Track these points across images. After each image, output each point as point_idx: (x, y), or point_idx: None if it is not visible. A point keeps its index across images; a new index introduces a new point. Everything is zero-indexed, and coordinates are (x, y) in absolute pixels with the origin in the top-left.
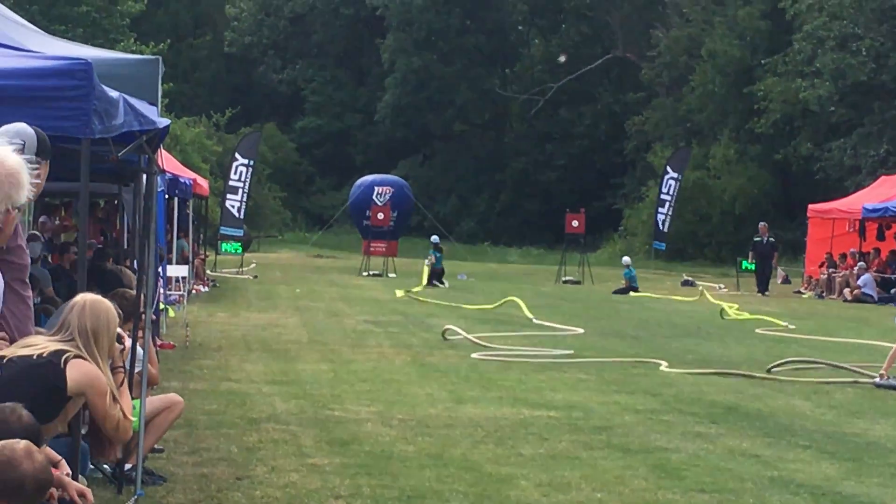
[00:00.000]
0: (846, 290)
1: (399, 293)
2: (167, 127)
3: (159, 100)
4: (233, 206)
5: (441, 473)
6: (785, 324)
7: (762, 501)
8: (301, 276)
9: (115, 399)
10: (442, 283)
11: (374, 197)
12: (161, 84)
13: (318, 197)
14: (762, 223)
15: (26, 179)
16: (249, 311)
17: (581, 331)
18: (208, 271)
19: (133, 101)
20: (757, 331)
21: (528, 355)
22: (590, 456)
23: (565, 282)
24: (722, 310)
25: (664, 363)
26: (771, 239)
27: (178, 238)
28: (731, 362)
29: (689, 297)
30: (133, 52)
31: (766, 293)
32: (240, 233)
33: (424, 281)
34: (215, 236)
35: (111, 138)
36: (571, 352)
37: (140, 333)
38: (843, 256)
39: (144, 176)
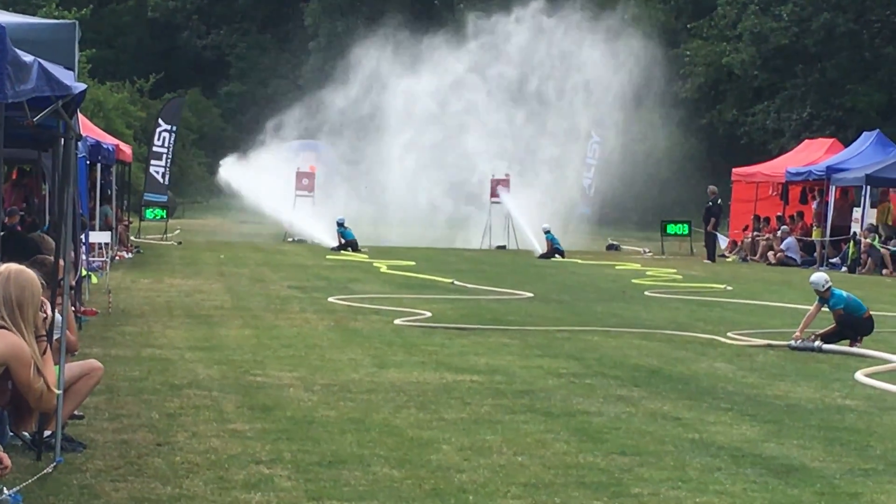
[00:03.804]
0: (770, 254)
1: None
2: (83, 92)
3: (76, 64)
4: (157, 172)
5: (363, 438)
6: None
7: (683, 464)
8: (225, 241)
9: (38, 371)
10: (359, 250)
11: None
12: (78, 49)
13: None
14: (711, 186)
15: None
16: (173, 278)
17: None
18: (132, 238)
19: (49, 65)
20: (646, 293)
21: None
22: (512, 420)
23: (497, 248)
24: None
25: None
26: (718, 202)
27: (101, 204)
28: (656, 326)
29: (617, 263)
30: (55, 17)
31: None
32: (164, 199)
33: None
34: (139, 202)
35: (27, 103)
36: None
37: (59, 300)
38: (767, 220)
39: (63, 141)
